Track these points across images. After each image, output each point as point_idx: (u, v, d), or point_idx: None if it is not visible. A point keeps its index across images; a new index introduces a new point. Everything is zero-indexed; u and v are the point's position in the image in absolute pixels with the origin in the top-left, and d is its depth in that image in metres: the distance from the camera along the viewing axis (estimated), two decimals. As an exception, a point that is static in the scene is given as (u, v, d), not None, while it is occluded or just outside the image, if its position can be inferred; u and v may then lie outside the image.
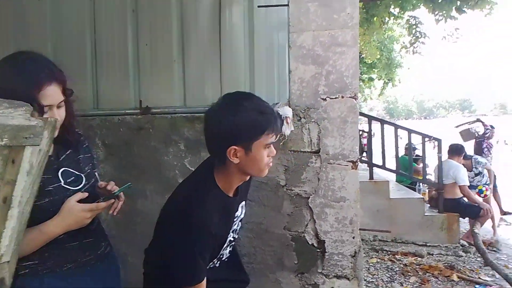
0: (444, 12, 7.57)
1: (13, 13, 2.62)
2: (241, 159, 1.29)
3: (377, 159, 5.96)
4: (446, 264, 4.34)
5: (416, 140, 6.04)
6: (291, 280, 2.11)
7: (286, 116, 2.00)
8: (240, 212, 1.51)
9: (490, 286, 3.79)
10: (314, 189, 2.06)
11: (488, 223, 5.63)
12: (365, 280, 3.80)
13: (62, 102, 1.26)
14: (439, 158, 5.46)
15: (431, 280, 3.91)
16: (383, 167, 5.76)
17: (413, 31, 9.17)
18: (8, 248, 1.02)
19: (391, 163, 5.83)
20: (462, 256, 4.68)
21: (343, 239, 2.05)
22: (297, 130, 2.05)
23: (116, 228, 2.22)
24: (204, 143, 1.38)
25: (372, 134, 6.52)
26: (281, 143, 2.05)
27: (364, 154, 8.02)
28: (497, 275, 3.97)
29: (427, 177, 6.10)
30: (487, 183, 6.14)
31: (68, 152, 1.38)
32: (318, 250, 2.08)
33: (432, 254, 4.71)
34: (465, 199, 5.35)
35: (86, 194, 1.30)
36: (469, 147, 7.08)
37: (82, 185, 1.35)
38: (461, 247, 4.97)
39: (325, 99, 2.02)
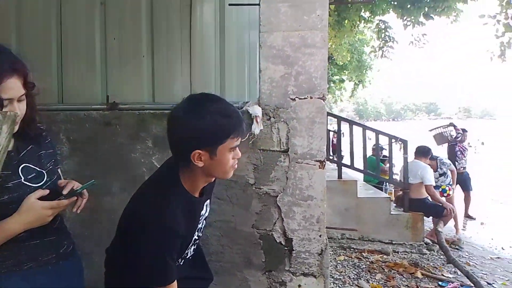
0: (412, 17, 7.81)
1: (-27, 2, 2.51)
2: (205, 163, 1.28)
3: (346, 159, 6.06)
4: (411, 262, 4.46)
5: (384, 141, 6.18)
6: (259, 278, 2.13)
7: (256, 115, 2.01)
8: (205, 211, 1.51)
9: (452, 282, 3.92)
10: (283, 188, 2.08)
11: (451, 222, 5.85)
12: (332, 277, 3.86)
13: (23, 95, 1.21)
14: (405, 159, 5.61)
15: (396, 277, 4.01)
16: (351, 167, 5.87)
17: (382, 35, 9.41)
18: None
19: (360, 163, 5.95)
20: (426, 253, 4.83)
21: (310, 237, 2.08)
22: (266, 129, 2.06)
23: (81, 226, 2.17)
24: (172, 141, 1.37)
25: (342, 134, 6.63)
26: (251, 142, 2.06)
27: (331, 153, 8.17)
28: (459, 272, 4.11)
29: (394, 177, 6.26)
30: (450, 183, 6.38)
31: (29, 148, 1.34)
32: (285, 248, 2.10)
33: (398, 252, 4.84)
34: (430, 198, 5.52)
35: (47, 191, 1.26)
36: (443, 150, 7.34)
37: (43, 181, 1.31)
38: (425, 245, 5.12)
39: (294, 99, 2.04)
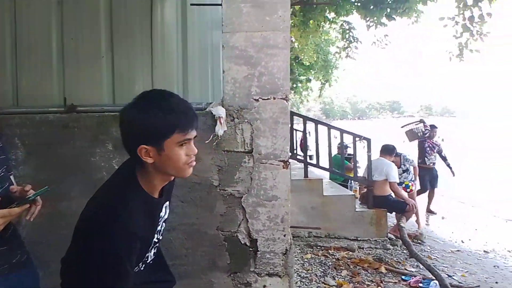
0: (375, 18, 8.01)
1: None
2: (155, 159, 1.26)
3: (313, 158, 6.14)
4: (375, 257, 4.58)
5: (349, 139, 6.30)
6: (224, 280, 2.12)
7: (219, 116, 2.00)
8: (164, 213, 1.48)
9: (415, 276, 4.05)
10: (247, 189, 2.08)
11: (413, 217, 6.05)
12: (299, 275, 3.90)
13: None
14: (369, 157, 5.74)
15: (361, 273, 4.10)
16: (317, 165, 5.95)
17: (347, 35, 9.60)
18: None
19: (326, 162, 6.05)
20: (389, 249, 4.97)
21: (274, 237, 2.09)
22: (230, 130, 2.05)
23: (39, 233, 2.08)
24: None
25: (308, 134, 6.70)
26: (215, 144, 2.04)
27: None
28: (421, 266, 4.26)
29: (359, 175, 6.41)
30: (413, 179, 6.61)
31: (-23, 153, 1.28)
32: (250, 249, 2.10)
33: (363, 248, 4.95)
34: (393, 195, 5.68)
35: (-3, 199, 1.20)
36: (413, 146, 7.54)
37: (-7, 189, 1.25)
38: (389, 241, 5.26)
39: (257, 100, 2.05)
